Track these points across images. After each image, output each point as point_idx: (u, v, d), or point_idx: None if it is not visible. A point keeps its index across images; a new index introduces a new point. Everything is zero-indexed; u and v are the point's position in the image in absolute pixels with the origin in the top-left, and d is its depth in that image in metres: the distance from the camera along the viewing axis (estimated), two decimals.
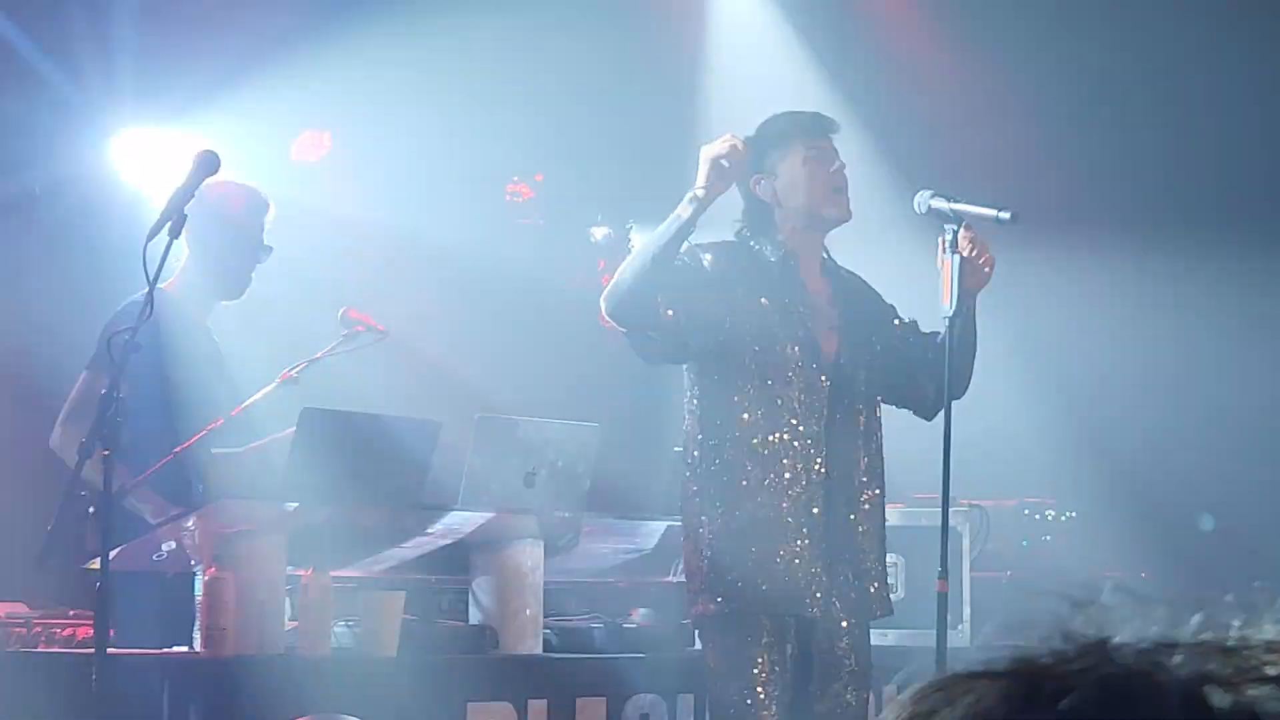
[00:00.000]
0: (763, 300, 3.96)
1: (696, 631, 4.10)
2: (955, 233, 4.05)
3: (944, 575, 4.06)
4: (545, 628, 4.39)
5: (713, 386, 3.95)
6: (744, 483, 3.89)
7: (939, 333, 4.11)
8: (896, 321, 4.18)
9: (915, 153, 6.11)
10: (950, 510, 4.11)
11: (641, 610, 4.77)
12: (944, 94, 6.53)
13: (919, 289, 4.27)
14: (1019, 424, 6.42)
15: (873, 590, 4.02)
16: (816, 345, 3.96)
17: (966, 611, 4.86)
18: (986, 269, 4.03)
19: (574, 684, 4.29)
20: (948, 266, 4.04)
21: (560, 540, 4.45)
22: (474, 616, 4.34)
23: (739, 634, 3.89)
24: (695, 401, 3.98)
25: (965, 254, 4.00)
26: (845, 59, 6.56)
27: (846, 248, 4.27)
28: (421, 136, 7.31)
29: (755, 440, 3.89)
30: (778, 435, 3.89)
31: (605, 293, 3.91)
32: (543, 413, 4.80)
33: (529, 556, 4.34)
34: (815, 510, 3.90)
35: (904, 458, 5.06)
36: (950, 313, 4.04)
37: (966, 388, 4.15)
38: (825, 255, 4.10)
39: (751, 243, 4.04)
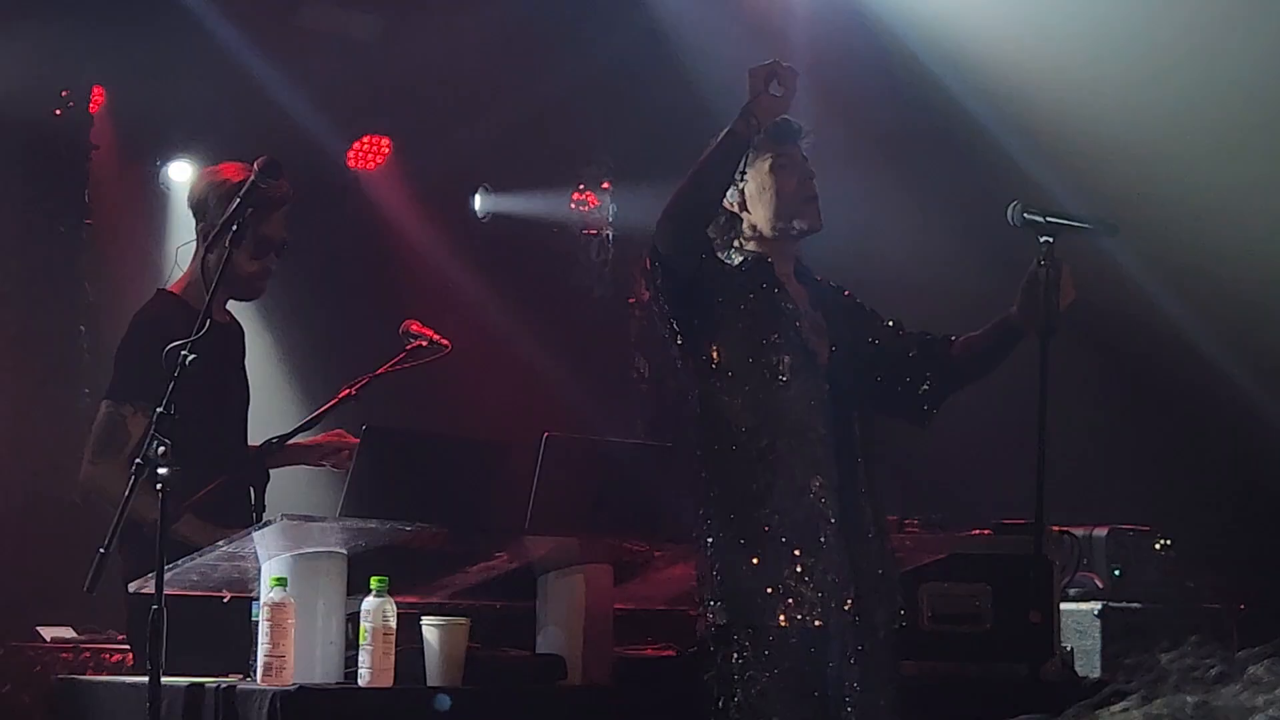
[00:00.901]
0: (746, 308, 3.88)
1: (703, 644, 3.94)
2: (1050, 246, 3.91)
3: (1038, 606, 3.90)
4: (616, 657, 4.23)
5: (713, 393, 3.88)
6: (752, 488, 3.82)
7: (928, 333, 4.04)
8: (886, 323, 4.08)
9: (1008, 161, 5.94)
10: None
11: None
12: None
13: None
14: (1111, 446, 6.23)
15: (888, 600, 3.91)
16: (808, 350, 3.89)
17: (1058, 644, 4.65)
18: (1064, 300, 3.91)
19: (645, 717, 4.14)
20: (1038, 282, 3.88)
21: (631, 565, 4.30)
22: (542, 645, 4.21)
23: (753, 647, 3.78)
24: (697, 408, 3.91)
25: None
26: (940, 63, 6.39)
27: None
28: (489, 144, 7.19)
29: (761, 444, 3.82)
30: (781, 441, 3.82)
31: (663, 215, 3.78)
32: (613, 432, 4.66)
33: (599, 582, 4.20)
34: (830, 518, 3.81)
35: (987, 479, 4.87)
36: (1043, 329, 3.89)
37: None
38: (798, 263, 4.02)
39: (720, 254, 3.96)
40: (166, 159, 7.32)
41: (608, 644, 4.21)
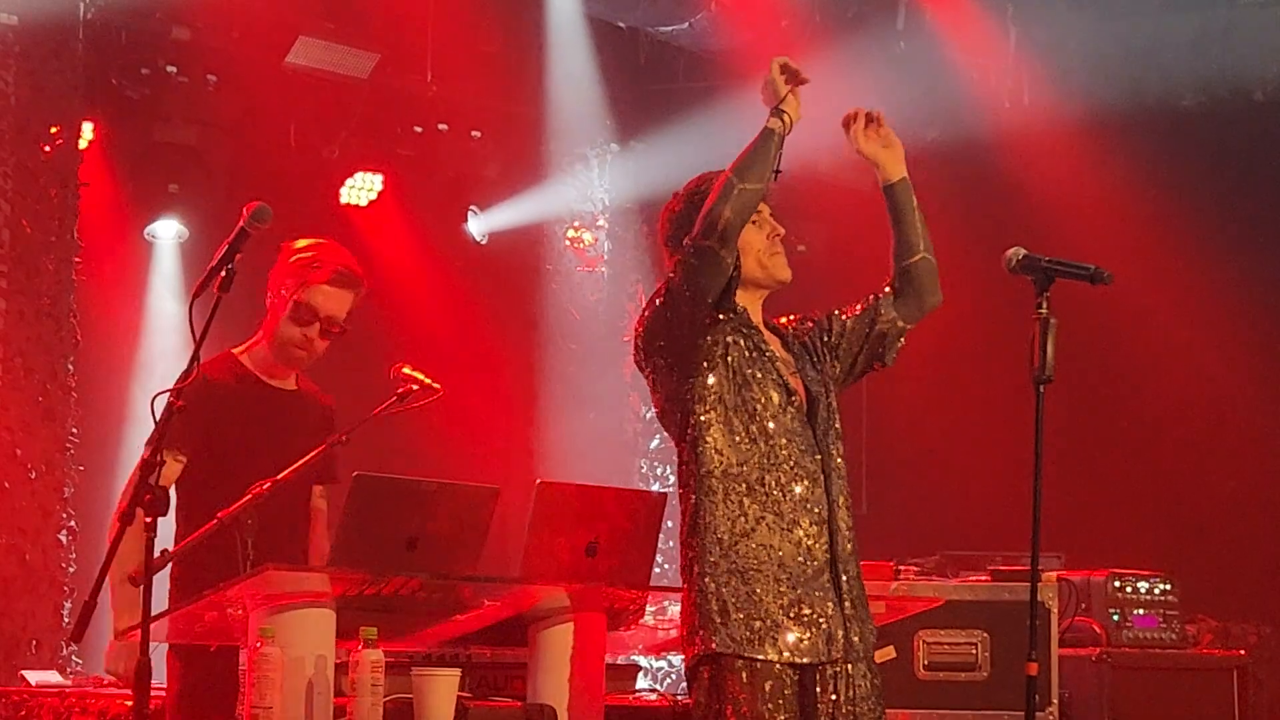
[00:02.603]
0: (733, 347, 3.97)
1: (691, 674, 3.93)
2: (1046, 294, 3.92)
3: (1034, 657, 3.85)
4: (608, 707, 4.20)
5: (705, 421, 3.94)
6: (741, 520, 3.88)
7: (870, 294, 4.13)
8: (831, 317, 4.17)
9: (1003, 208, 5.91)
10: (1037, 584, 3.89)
11: None
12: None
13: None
14: (1111, 489, 6.18)
15: (870, 632, 3.96)
16: (789, 390, 4.00)
17: (1056, 693, 4.60)
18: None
19: None
20: (1039, 327, 3.89)
21: (624, 614, 4.25)
22: (533, 695, 4.15)
23: (748, 677, 3.79)
24: (689, 434, 3.95)
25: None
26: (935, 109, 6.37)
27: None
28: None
29: (751, 477, 3.90)
30: (770, 475, 3.90)
31: (708, 209, 3.87)
32: (607, 479, 4.61)
33: (591, 631, 4.16)
34: (816, 557, 3.88)
35: (987, 523, 4.81)
36: (1039, 376, 3.89)
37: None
38: (765, 316, 4.15)
39: None
40: (156, 208, 7.27)
41: (599, 693, 4.17)
